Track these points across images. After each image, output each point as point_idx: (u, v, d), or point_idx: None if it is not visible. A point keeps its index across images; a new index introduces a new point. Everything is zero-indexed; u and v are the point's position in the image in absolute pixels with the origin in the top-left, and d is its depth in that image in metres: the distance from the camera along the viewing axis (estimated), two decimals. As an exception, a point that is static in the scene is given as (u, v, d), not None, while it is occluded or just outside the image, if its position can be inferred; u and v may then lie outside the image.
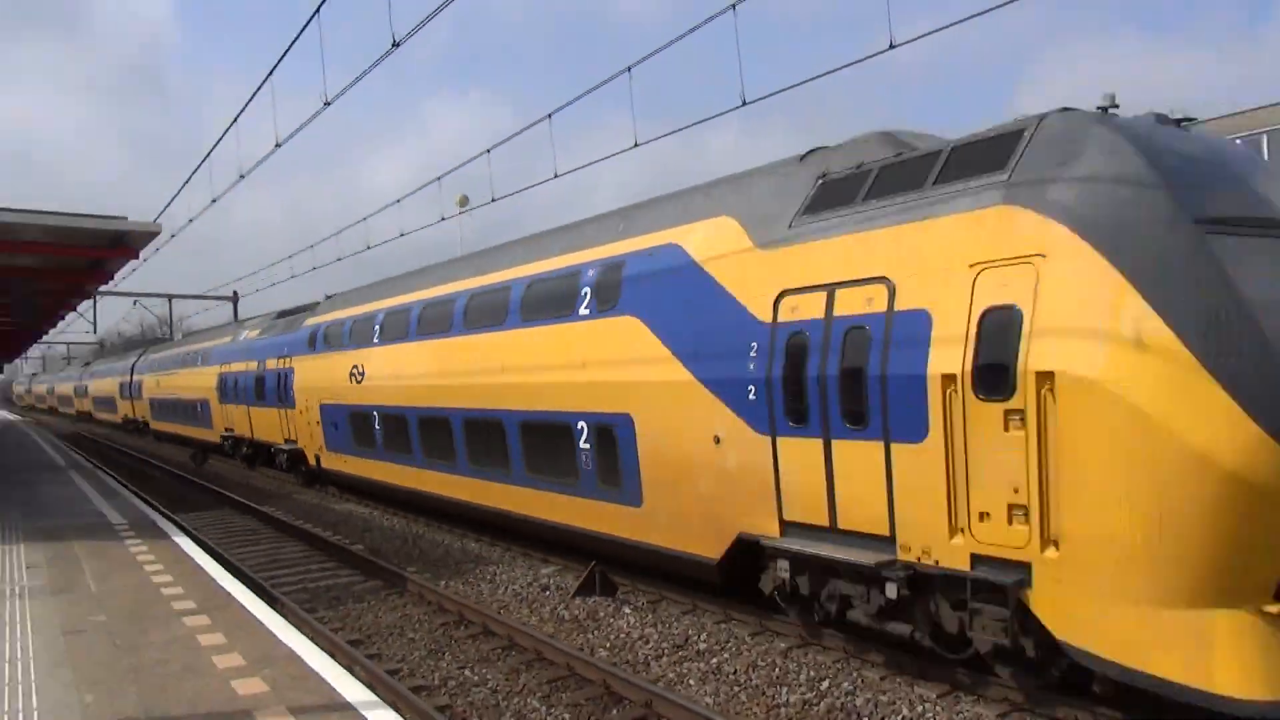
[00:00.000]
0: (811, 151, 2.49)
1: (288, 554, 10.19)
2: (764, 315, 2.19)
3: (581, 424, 3.07)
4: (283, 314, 14.80)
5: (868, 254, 1.82)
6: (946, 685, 2.86)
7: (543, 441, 3.72)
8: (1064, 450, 1.38)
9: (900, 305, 1.78)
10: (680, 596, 6.98)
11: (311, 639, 5.42)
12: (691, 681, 5.19)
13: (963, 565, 1.70)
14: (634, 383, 2.75)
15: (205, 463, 21.22)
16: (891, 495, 1.94)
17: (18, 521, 9.81)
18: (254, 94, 7.69)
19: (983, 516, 1.71)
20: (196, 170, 10.39)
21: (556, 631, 6.76)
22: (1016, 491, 1.58)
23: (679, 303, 2.44)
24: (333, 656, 5.17)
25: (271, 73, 7.15)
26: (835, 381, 1.86)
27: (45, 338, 29.68)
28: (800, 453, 2.14)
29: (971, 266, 1.56)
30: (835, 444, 2.05)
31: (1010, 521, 1.61)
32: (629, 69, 4.70)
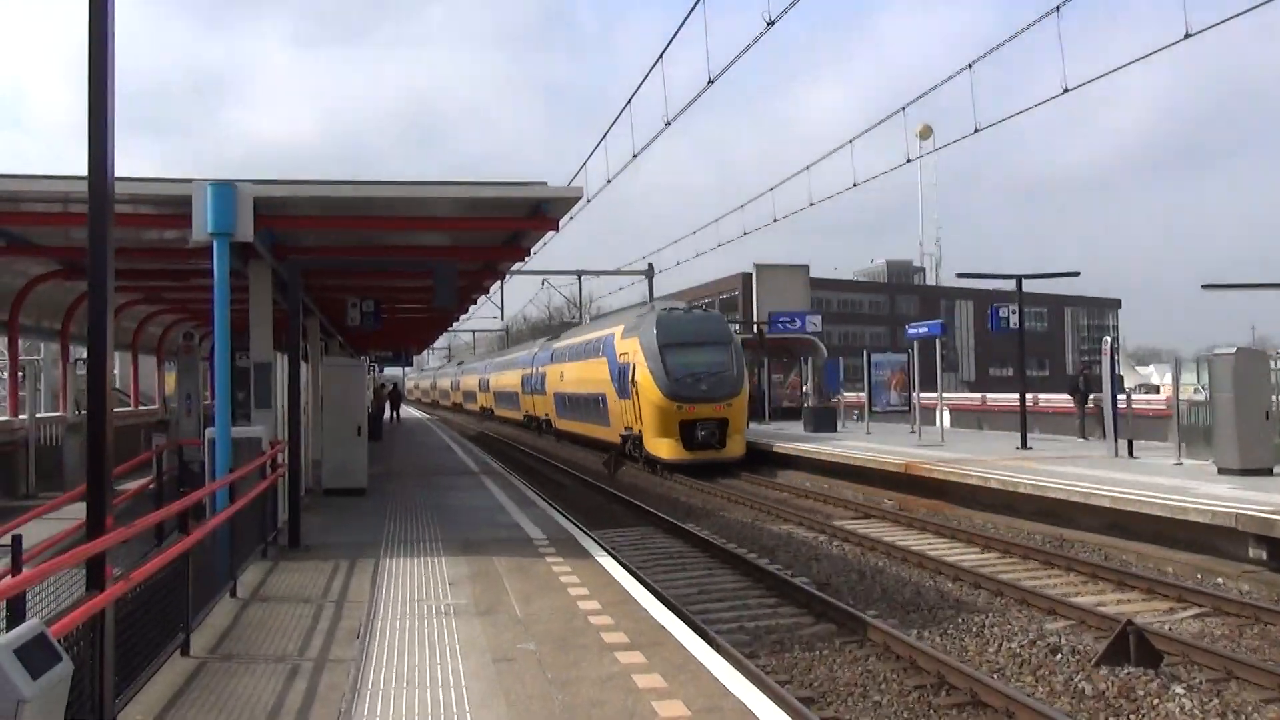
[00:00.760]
0: (649, 304, 23.82)
1: (719, 584, 12.24)
2: (621, 358, 21.70)
3: (599, 394, 22.75)
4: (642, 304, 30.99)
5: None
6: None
7: (587, 401, 24.33)
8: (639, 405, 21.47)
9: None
10: (1261, 680, 7.41)
11: (761, 690, 6.04)
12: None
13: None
14: (605, 379, 22.66)
15: (619, 470, 25.59)
16: (611, 416, 23.35)
17: (437, 532, 12.24)
18: (686, 17, 8.94)
19: (628, 426, 22.64)
20: (617, 119, 12.44)
21: (1075, 710, 7.33)
22: (632, 421, 21.89)
23: (614, 354, 22.06)
24: (790, 715, 5.79)
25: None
26: (634, 373, 21.67)
27: (451, 325, 39.40)
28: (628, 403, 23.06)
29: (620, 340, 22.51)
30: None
31: (634, 428, 21.85)
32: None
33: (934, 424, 26.48)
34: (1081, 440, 23.65)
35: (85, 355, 6.42)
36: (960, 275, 22.76)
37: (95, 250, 5.73)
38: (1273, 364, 15.60)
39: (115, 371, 21.97)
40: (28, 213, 12.18)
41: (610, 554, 10.77)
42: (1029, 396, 26.35)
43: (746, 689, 6.03)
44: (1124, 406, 19.13)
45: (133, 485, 13.86)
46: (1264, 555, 11.47)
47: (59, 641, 4.35)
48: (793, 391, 36.30)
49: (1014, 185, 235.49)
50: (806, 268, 44.26)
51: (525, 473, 26.75)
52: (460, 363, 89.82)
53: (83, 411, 14.06)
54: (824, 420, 29.70)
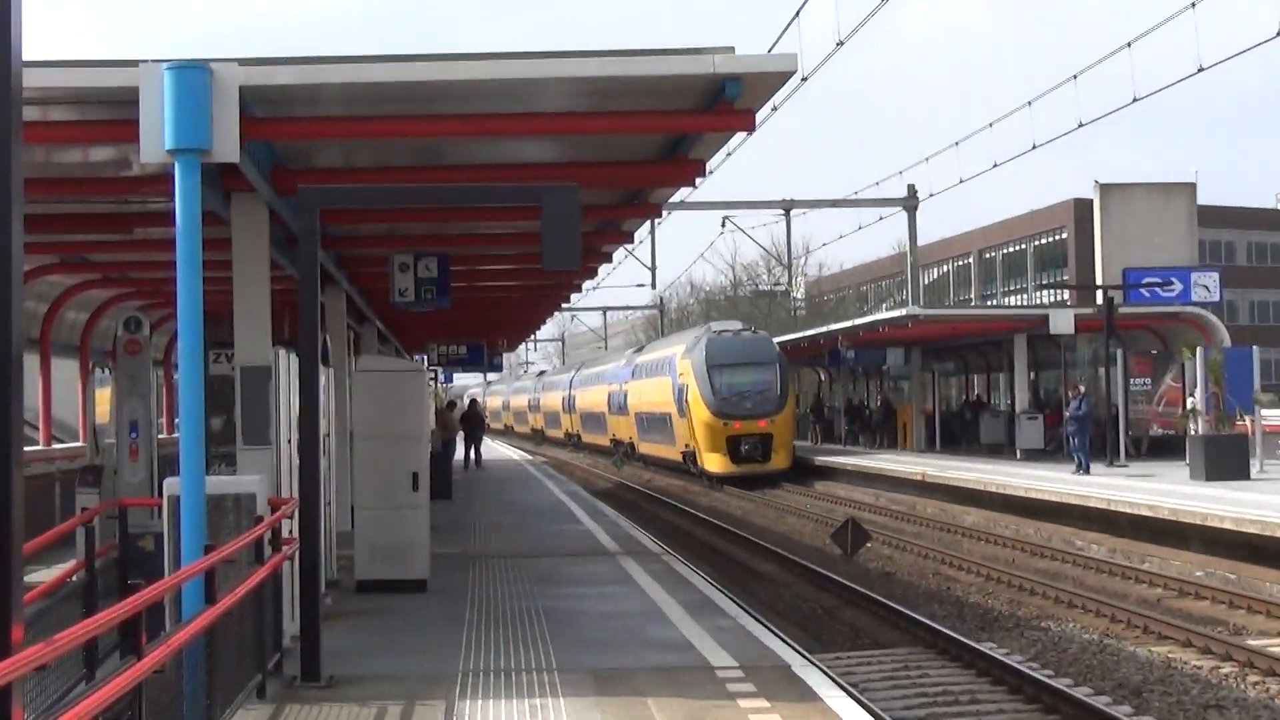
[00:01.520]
0: (707, 325, 52.17)
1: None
2: (680, 378, 48.68)
3: (666, 413, 49.70)
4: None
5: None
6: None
7: (652, 419, 52.33)
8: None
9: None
10: None
11: None
12: None
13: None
14: (670, 399, 49.09)
15: (861, 548, 27.16)
16: (676, 434, 50.92)
17: (549, 655, 12.87)
18: None
19: (687, 444, 49.81)
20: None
21: None
22: (689, 438, 48.37)
23: (675, 374, 49.50)
24: None
25: None
26: (686, 393, 48.69)
27: (568, 299, 40.23)
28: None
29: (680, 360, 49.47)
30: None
31: (691, 444, 48.86)
32: None
33: None
34: None
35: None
36: None
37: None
38: None
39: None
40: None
41: (852, 696, 11.17)
42: None
43: None
44: None
45: (46, 575, 14.10)
46: None
47: None
48: (1167, 407, 35.18)
49: None
50: (1191, 189, 42.76)
51: (696, 552, 28.30)
52: (541, 373, 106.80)
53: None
54: (1229, 458, 29.45)
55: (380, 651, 13.14)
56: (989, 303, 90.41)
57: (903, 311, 43.76)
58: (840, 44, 23.55)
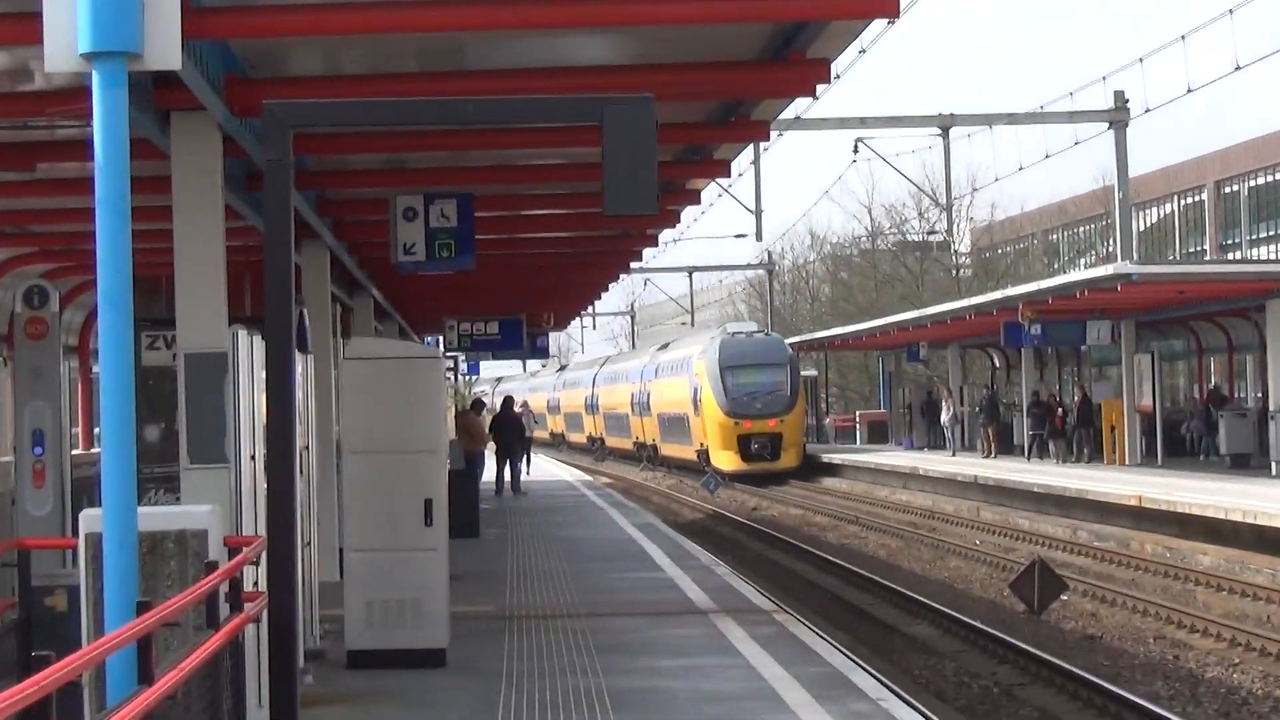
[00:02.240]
0: (723, 328, 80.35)
1: None
2: (695, 378, 74.85)
3: (684, 414, 76.74)
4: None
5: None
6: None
7: (672, 419, 79.43)
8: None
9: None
10: None
11: None
12: None
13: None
14: (687, 399, 75.53)
15: (1053, 602, 27.30)
16: (692, 434, 77.51)
17: None
18: None
19: (702, 443, 76.63)
20: None
21: None
22: (703, 437, 76.32)
23: (691, 374, 76.07)
24: None
25: None
26: (700, 393, 74.26)
27: (640, 256, 40.26)
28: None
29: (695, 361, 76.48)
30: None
31: (704, 443, 75.16)
32: None
33: None
34: None
35: None
36: None
37: None
38: None
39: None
40: None
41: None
42: None
43: None
44: None
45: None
46: None
47: None
48: None
49: None
50: None
51: (822, 608, 28.83)
52: (562, 367, 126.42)
53: None
54: None
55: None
56: (1231, 256, 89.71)
57: (1109, 269, 43.44)
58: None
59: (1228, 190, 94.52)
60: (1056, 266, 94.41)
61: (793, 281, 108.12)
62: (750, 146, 32.04)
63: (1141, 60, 58.58)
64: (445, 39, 14.14)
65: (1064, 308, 46.99)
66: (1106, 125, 47.57)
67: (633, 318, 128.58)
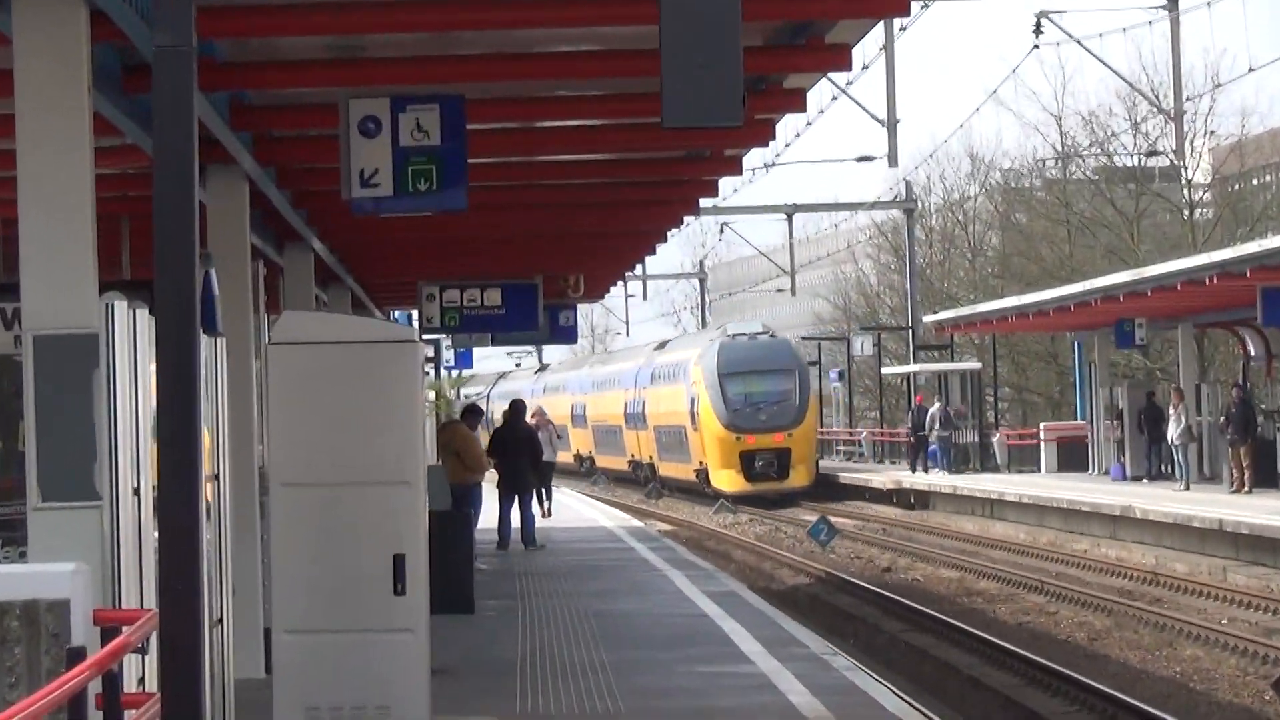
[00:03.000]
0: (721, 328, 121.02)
1: None
2: (692, 386, 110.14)
3: (681, 426, 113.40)
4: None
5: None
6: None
7: (670, 433, 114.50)
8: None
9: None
10: None
11: None
12: None
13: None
14: (684, 410, 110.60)
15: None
16: (691, 450, 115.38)
17: None
18: None
19: (701, 461, 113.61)
20: None
21: None
22: (701, 454, 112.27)
23: (689, 381, 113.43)
24: None
25: None
26: (697, 403, 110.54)
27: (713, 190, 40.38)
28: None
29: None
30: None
31: (704, 461, 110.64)
32: None
33: None
34: None
35: None
36: None
37: None
38: None
39: None
40: None
41: None
42: None
43: None
44: None
45: None
46: None
47: None
48: None
49: None
50: None
51: (992, 715, 29.76)
52: (542, 368, 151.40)
53: None
54: None
55: None
56: None
57: None
58: None
59: None
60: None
61: (943, 227, 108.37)
62: (880, 27, 31.82)
63: None
64: None
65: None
66: None
67: (702, 282, 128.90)
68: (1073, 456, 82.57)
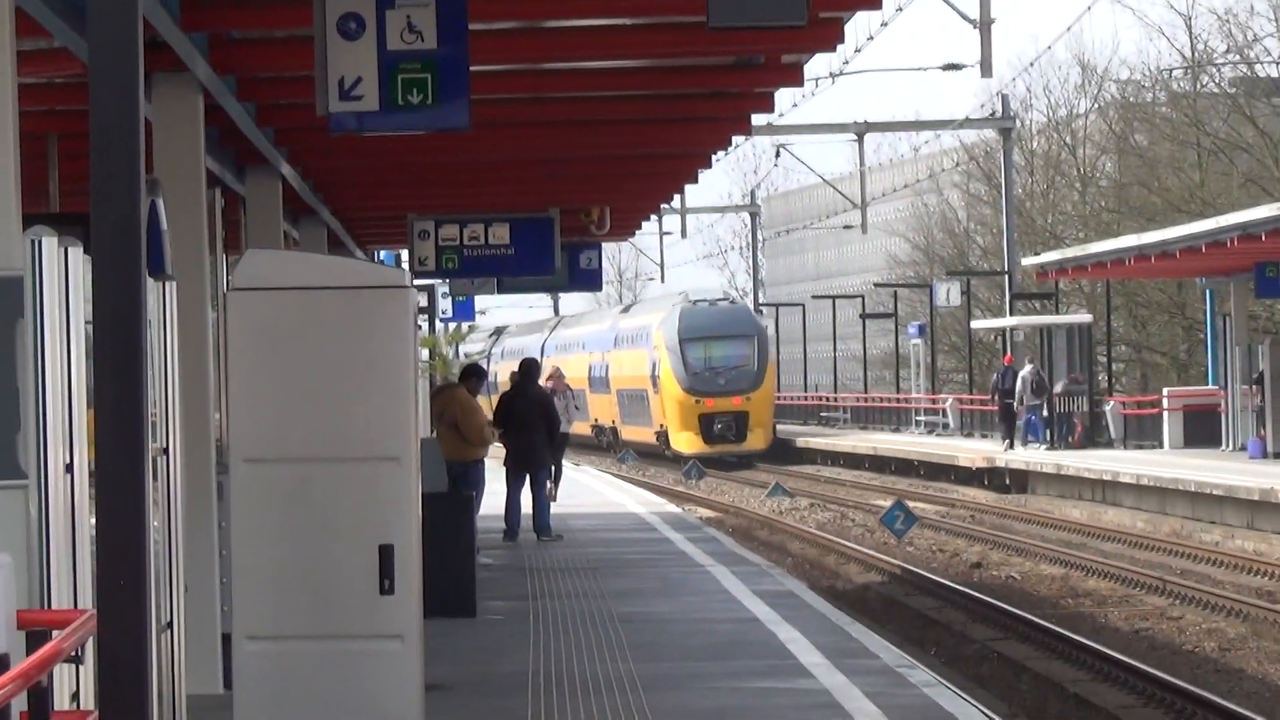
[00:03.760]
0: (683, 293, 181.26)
1: None
2: (654, 351, 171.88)
3: (643, 390, 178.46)
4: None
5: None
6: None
7: (635, 398, 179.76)
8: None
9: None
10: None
11: None
12: None
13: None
14: (646, 374, 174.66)
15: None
16: (652, 413, 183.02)
17: None
18: None
19: (661, 424, 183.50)
20: None
21: None
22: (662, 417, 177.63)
23: (650, 346, 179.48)
24: None
25: None
26: (658, 367, 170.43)
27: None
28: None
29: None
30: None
31: (664, 424, 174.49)
32: None
33: None
34: None
35: None
36: None
37: None
38: None
39: None
40: None
41: None
42: None
43: None
44: None
45: None
46: None
47: None
48: None
49: None
50: None
51: None
52: (498, 331, 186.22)
53: None
54: None
55: None
56: None
57: None
58: None
59: None
60: None
61: (1047, 150, 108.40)
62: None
63: None
64: None
65: None
66: None
67: (754, 216, 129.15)
68: (1202, 429, 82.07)
